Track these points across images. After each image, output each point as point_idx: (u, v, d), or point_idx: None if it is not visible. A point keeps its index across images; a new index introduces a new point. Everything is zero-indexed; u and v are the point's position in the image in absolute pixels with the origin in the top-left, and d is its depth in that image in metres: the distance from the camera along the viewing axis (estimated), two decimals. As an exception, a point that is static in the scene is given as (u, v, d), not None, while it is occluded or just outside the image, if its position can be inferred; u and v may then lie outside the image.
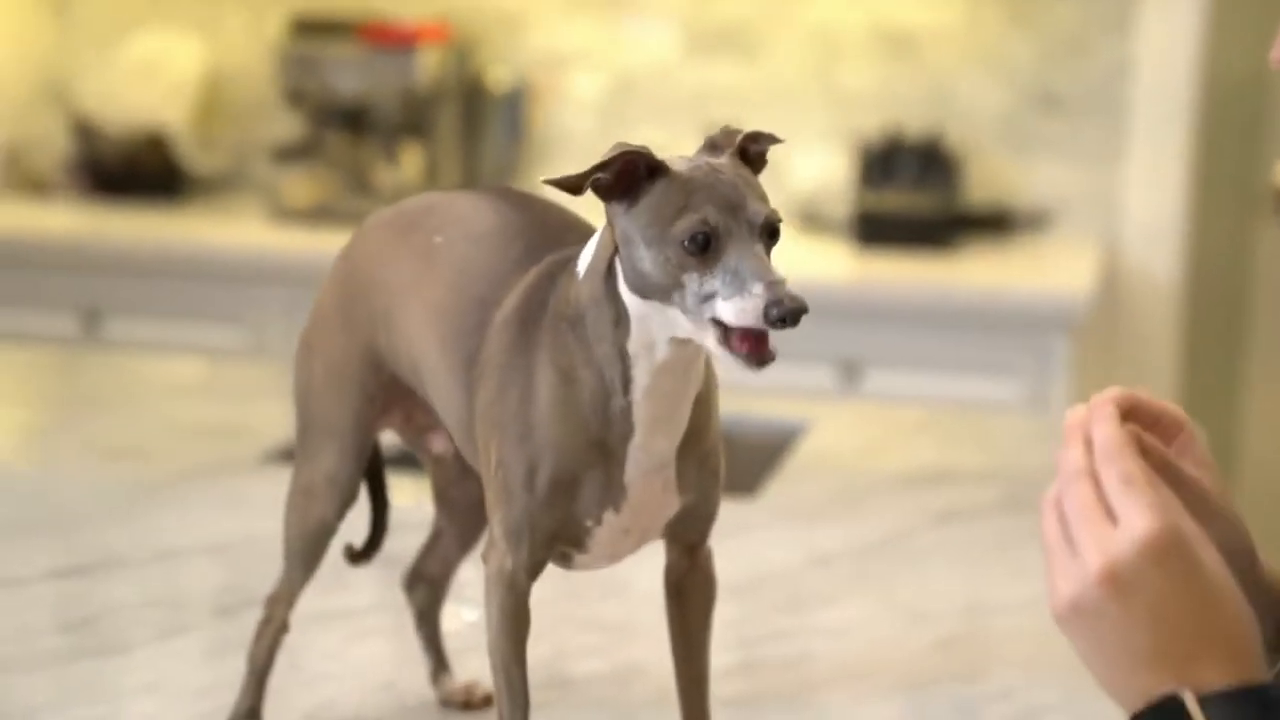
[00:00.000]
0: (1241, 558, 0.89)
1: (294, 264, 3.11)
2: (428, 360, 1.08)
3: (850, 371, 2.92)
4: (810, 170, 3.31)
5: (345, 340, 1.13)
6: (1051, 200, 3.27)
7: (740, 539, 1.60)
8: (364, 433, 1.14)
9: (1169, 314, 3.27)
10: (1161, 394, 0.94)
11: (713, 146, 0.99)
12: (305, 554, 1.16)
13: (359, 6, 3.45)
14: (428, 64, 3.28)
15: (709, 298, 0.92)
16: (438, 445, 1.19)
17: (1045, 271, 3.08)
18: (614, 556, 1.05)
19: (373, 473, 1.22)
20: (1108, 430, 0.80)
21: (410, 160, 3.35)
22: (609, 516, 1.01)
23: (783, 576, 1.58)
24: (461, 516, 1.23)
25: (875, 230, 3.13)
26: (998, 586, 1.57)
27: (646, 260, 0.93)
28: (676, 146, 3.80)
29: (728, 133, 0.99)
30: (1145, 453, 0.83)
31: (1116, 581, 0.76)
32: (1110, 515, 0.77)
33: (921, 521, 1.73)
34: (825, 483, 1.87)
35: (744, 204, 0.93)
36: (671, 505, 1.03)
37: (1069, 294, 2.91)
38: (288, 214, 3.31)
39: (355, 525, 1.20)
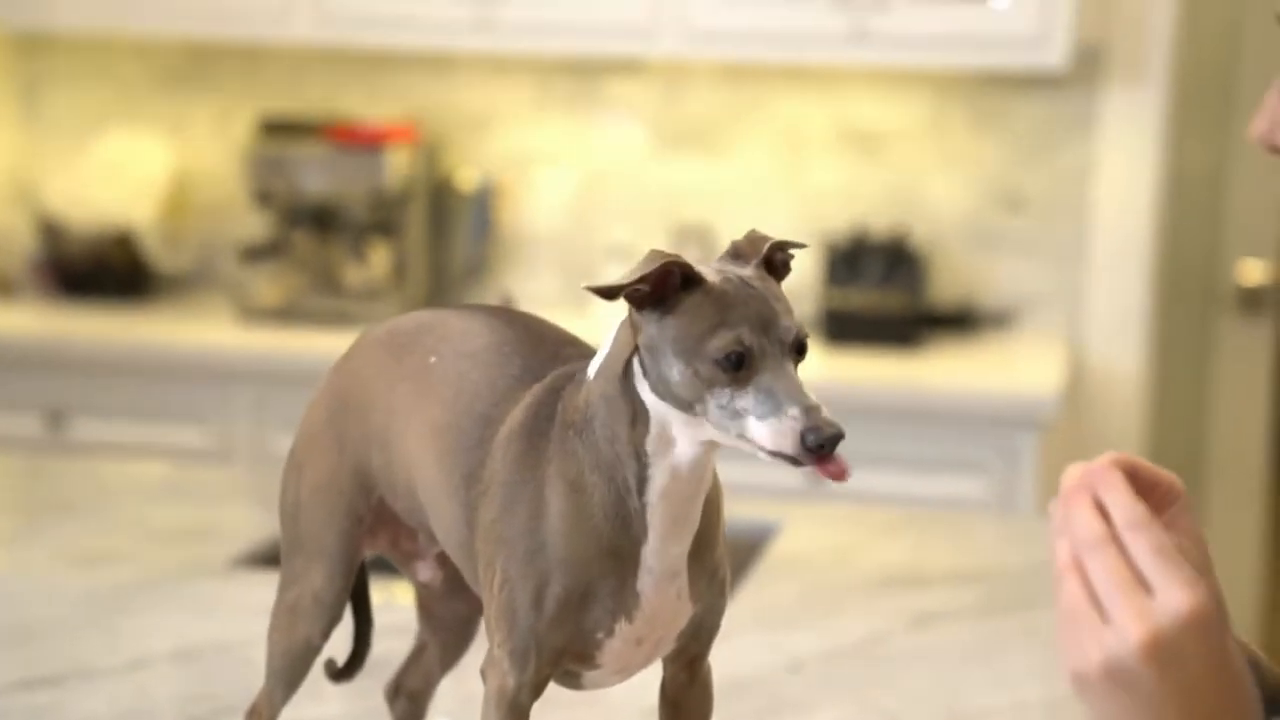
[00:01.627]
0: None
1: (261, 364, 3.10)
2: (425, 479, 1.07)
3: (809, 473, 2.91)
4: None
5: (336, 459, 1.13)
6: (1016, 298, 3.30)
7: (714, 644, 1.59)
8: (351, 553, 1.13)
9: (1133, 410, 3.29)
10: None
11: (737, 254, 0.98)
12: (288, 674, 1.15)
13: (327, 107, 3.47)
14: (396, 164, 3.30)
15: (739, 415, 0.92)
16: (424, 574, 1.18)
17: (1011, 369, 3.10)
18: (624, 671, 1.03)
19: (357, 590, 1.21)
20: (1127, 498, 0.81)
21: (378, 259, 3.36)
22: (621, 627, 0.99)
23: (758, 682, 1.57)
24: (446, 633, 1.22)
25: (841, 328, 3.15)
26: (977, 692, 1.56)
27: (675, 371, 0.93)
28: (645, 245, 3.84)
29: (752, 239, 0.99)
30: None
31: (1159, 652, 0.76)
32: (1145, 585, 0.78)
33: (897, 625, 1.72)
34: (798, 585, 1.86)
35: (776, 321, 0.93)
36: (685, 614, 1.02)
37: (1035, 392, 2.93)
38: (255, 313, 3.30)
39: (335, 638, 1.19)
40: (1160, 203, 3.27)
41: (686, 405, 0.94)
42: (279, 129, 3.36)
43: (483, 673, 1.02)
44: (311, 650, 1.14)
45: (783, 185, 3.37)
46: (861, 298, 3.18)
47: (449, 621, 1.21)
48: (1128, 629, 0.77)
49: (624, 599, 0.98)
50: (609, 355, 0.98)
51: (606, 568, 0.98)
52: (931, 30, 3.04)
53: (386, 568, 1.35)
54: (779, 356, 0.92)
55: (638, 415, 0.96)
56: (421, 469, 1.07)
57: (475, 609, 1.20)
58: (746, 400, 0.91)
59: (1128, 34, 3.19)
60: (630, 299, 0.94)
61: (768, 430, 0.90)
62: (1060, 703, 1.53)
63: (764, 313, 0.93)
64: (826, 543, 2.05)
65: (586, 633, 0.99)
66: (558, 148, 3.46)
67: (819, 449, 0.89)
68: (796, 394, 0.91)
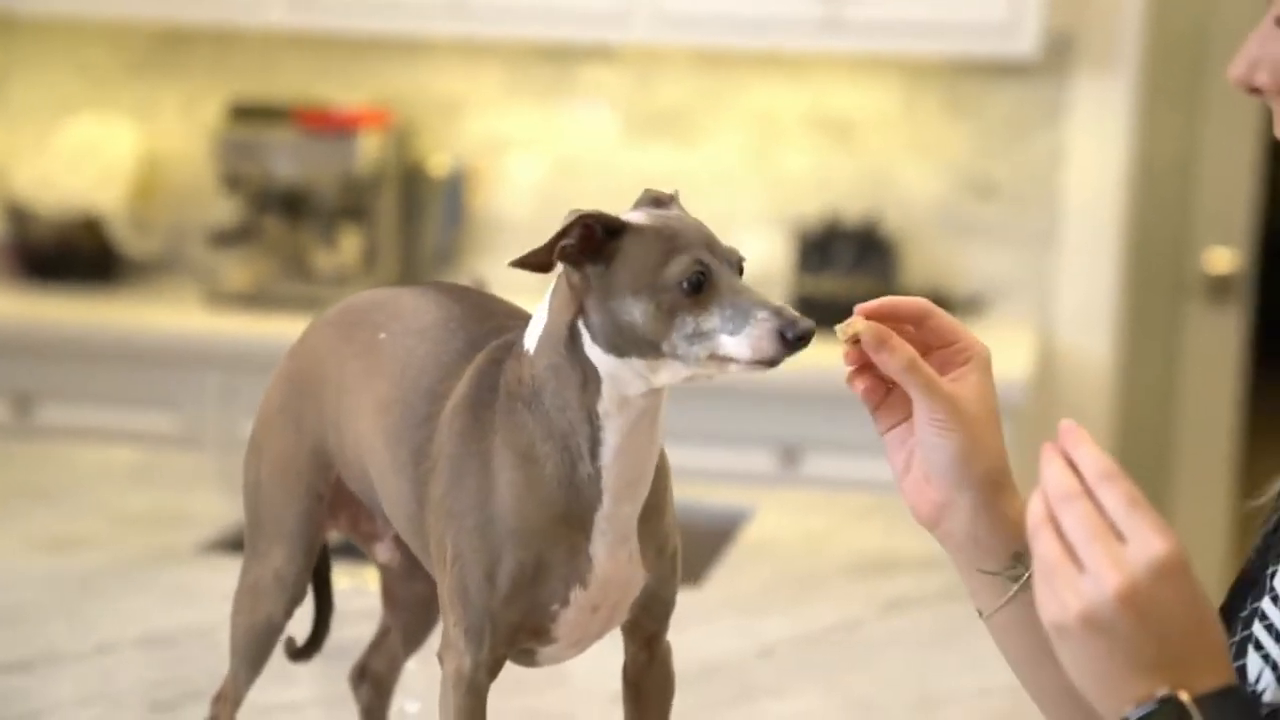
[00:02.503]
0: (992, 479, 0.98)
1: (230, 348, 3.08)
2: (375, 456, 1.07)
3: (790, 455, 2.92)
4: (749, 254, 3.31)
5: (294, 439, 1.13)
6: (987, 285, 3.31)
7: (686, 629, 1.58)
8: (312, 532, 1.13)
9: (1103, 396, 3.30)
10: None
11: (657, 203, 1.00)
12: (252, 653, 1.14)
13: (298, 92, 3.45)
14: (368, 149, 3.28)
15: (707, 336, 0.92)
16: (383, 554, 1.18)
17: (982, 356, 3.10)
18: (580, 643, 1.03)
19: (318, 571, 1.21)
20: (1095, 452, 0.84)
21: (349, 244, 3.34)
22: (577, 595, 0.99)
23: (730, 668, 1.57)
24: (408, 616, 1.22)
25: (813, 314, 3.09)
26: (948, 677, 1.57)
27: (635, 312, 0.93)
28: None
29: (662, 193, 1.01)
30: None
31: (1135, 598, 0.79)
32: (1117, 534, 0.81)
33: (868, 610, 1.73)
34: (770, 571, 1.87)
35: (717, 241, 0.96)
36: (638, 580, 1.02)
37: (1006, 378, 2.93)
38: (224, 298, 3.29)
39: (296, 619, 1.18)
40: (1130, 190, 3.28)
41: (650, 346, 0.94)
42: (249, 113, 3.34)
43: (440, 656, 1.02)
44: (274, 629, 1.14)
45: (755, 172, 3.37)
46: (833, 284, 3.18)
47: (410, 603, 1.21)
48: (1104, 577, 0.80)
49: (577, 565, 0.99)
50: (549, 325, 0.98)
51: (559, 535, 0.98)
52: (904, 18, 3.04)
53: (356, 552, 1.34)
54: (730, 273, 0.94)
55: (588, 379, 0.97)
56: (371, 446, 1.07)
57: (434, 590, 1.16)
58: (712, 320, 0.93)
59: (1098, 22, 3.20)
60: (565, 259, 0.95)
61: (746, 340, 0.92)
62: (1030, 687, 1.54)
63: (706, 235, 0.96)
64: (798, 528, 2.05)
65: (542, 605, 1.00)
66: (530, 133, 3.45)
67: (799, 341, 0.91)
68: (758, 299, 0.93)
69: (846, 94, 3.33)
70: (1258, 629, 0.91)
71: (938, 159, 3.30)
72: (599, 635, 1.04)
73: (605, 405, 0.97)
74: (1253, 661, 0.90)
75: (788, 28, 3.09)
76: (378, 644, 1.24)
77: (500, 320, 1.07)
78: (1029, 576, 0.94)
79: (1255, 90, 0.88)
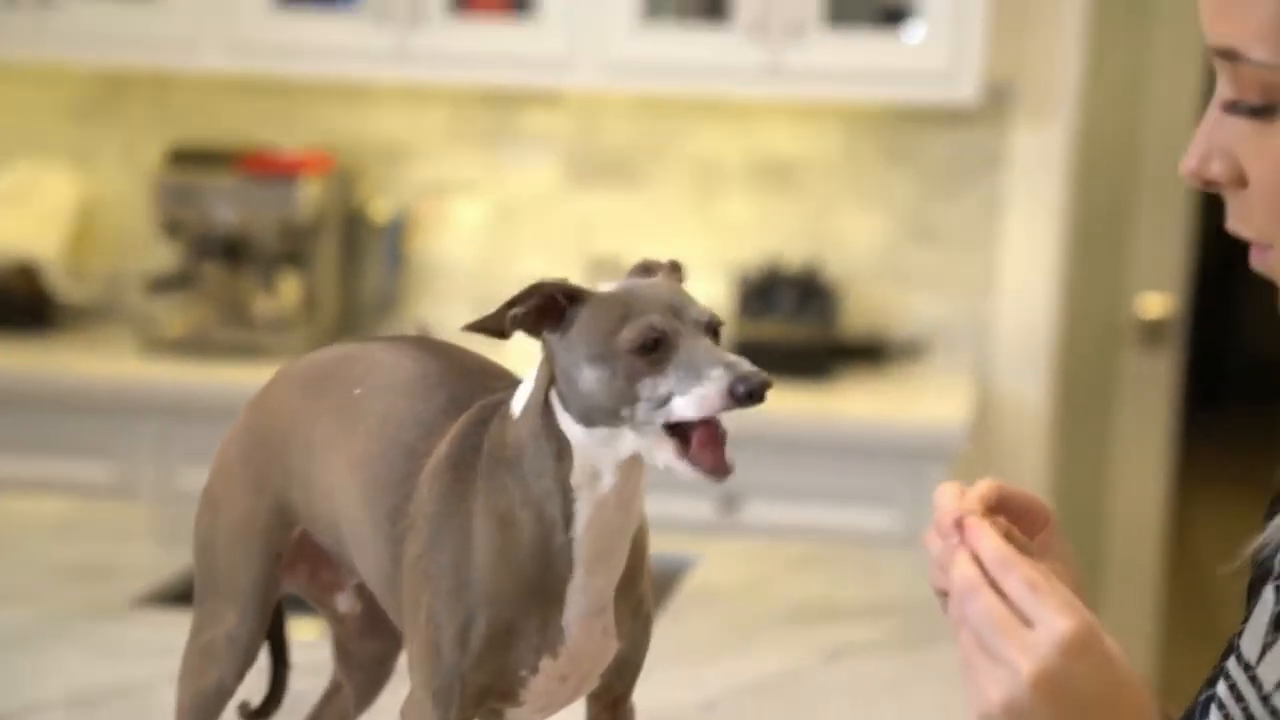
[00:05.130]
0: None
1: (167, 396, 3.05)
2: (349, 514, 1.05)
3: (730, 502, 2.92)
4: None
5: (254, 497, 1.11)
6: (925, 330, 3.33)
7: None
8: (268, 592, 1.11)
9: (1039, 440, 3.32)
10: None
11: (646, 270, 0.99)
12: (199, 718, 1.12)
13: (239, 137, 3.43)
14: (309, 194, 3.27)
15: (664, 401, 0.91)
16: (344, 604, 1.16)
17: (921, 401, 3.12)
18: (547, 709, 1.02)
19: (274, 630, 1.19)
20: (993, 541, 0.85)
21: (289, 290, 3.32)
22: (546, 664, 0.98)
23: (673, 720, 1.56)
24: (362, 672, 1.20)
25: (753, 359, 3.08)
26: (888, 727, 1.56)
27: (591, 380, 0.92)
28: (558, 273, 3.81)
29: (655, 262, 1.00)
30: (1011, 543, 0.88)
31: (1048, 682, 0.81)
32: (1023, 620, 0.82)
33: (812, 660, 1.72)
34: (712, 619, 1.86)
35: (686, 307, 0.94)
36: (610, 650, 1.01)
37: (945, 423, 2.95)
38: (161, 345, 3.25)
39: (250, 680, 1.16)
40: (1066, 237, 3.31)
41: (612, 415, 0.93)
42: (189, 159, 3.32)
43: (403, 715, 1.01)
44: (224, 693, 1.12)
45: (697, 218, 3.38)
46: (774, 329, 3.19)
47: (365, 660, 1.19)
48: (1016, 666, 0.81)
49: (549, 635, 0.98)
50: (532, 393, 0.98)
51: (532, 604, 0.97)
52: (846, 65, 3.07)
53: (307, 606, 1.32)
54: (695, 335, 0.92)
55: (562, 450, 0.95)
56: (345, 503, 1.05)
57: (392, 647, 1.18)
58: (670, 382, 0.91)
59: (1037, 72, 3.24)
60: (519, 328, 0.94)
61: (692, 400, 0.90)
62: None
63: (673, 300, 0.94)
64: (740, 577, 2.05)
65: (511, 670, 0.98)
66: (472, 179, 3.45)
67: (749, 398, 0.89)
68: (715, 356, 0.91)
69: (788, 140, 3.34)
70: (1220, 688, 0.91)
71: (878, 205, 3.32)
72: (568, 702, 1.03)
73: (577, 477, 0.96)
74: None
75: (730, 75, 3.11)
76: (328, 700, 1.22)
77: (481, 378, 1.05)
78: None
79: (1210, 183, 0.86)
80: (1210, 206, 3.78)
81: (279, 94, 3.45)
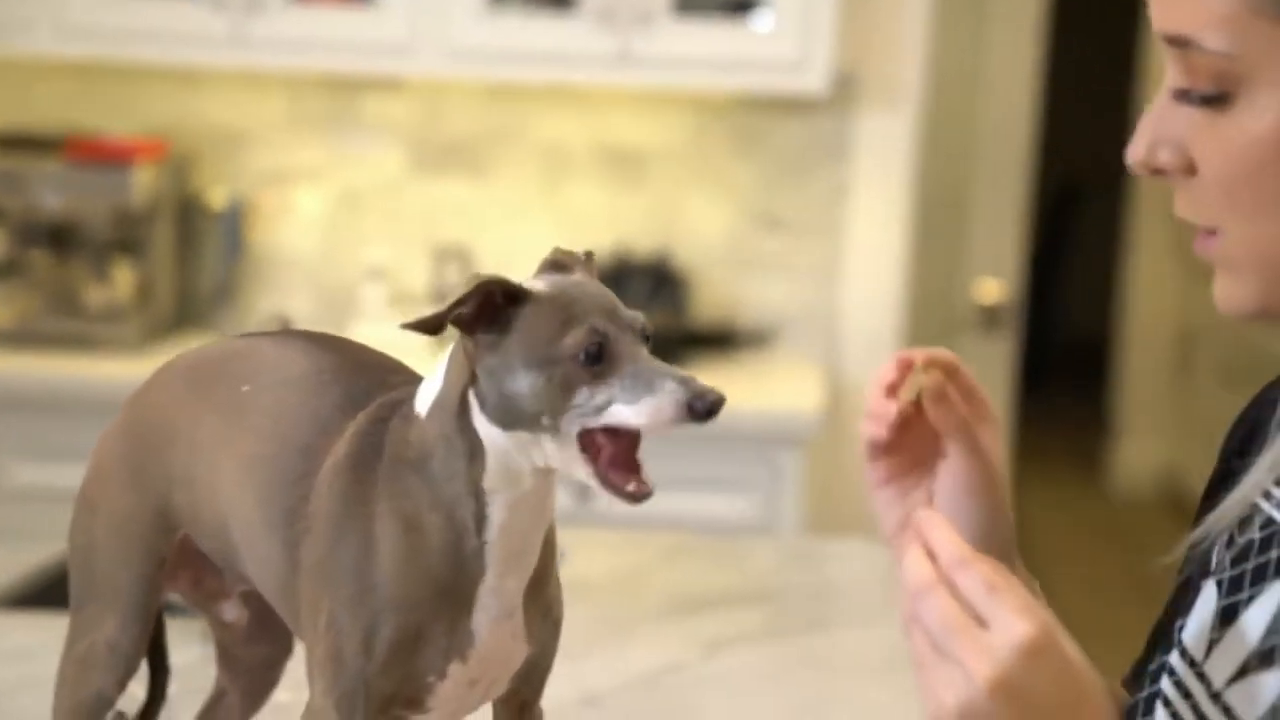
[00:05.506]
0: (1006, 549, 0.95)
1: (-2, 391, 2.93)
2: (241, 516, 1.01)
3: (585, 491, 2.90)
4: (539, 289, 3.30)
5: (134, 498, 1.06)
6: (775, 318, 3.35)
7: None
8: (150, 597, 1.06)
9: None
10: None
11: (558, 266, 0.97)
12: None
13: (68, 122, 3.30)
14: (142, 181, 3.16)
15: (601, 410, 0.89)
16: (230, 613, 1.12)
17: (772, 388, 3.14)
18: (454, 715, 0.99)
19: (153, 636, 1.13)
20: (951, 538, 0.82)
21: (122, 279, 3.21)
22: (455, 669, 0.95)
23: (556, 718, 1.53)
24: (248, 678, 1.15)
25: None
26: (774, 719, 1.57)
27: (523, 384, 0.90)
28: (404, 266, 3.76)
29: (567, 253, 0.97)
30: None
31: (1006, 686, 0.78)
32: (980, 621, 0.79)
33: (691, 652, 1.72)
34: (588, 613, 1.84)
35: (619, 309, 0.92)
36: (520, 654, 0.98)
37: (796, 410, 2.97)
38: (-11, 337, 3.12)
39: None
40: (910, 224, 3.36)
41: (533, 421, 0.90)
42: (13, 144, 3.19)
43: None
44: (104, 704, 1.07)
45: (544, 206, 3.35)
46: (624, 319, 3.18)
47: (251, 665, 1.15)
48: (972, 669, 0.79)
49: (458, 639, 0.95)
50: (443, 391, 0.95)
51: (440, 608, 0.94)
52: (693, 53, 3.06)
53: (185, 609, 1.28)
54: (634, 343, 0.90)
55: (475, 452, 0.93)
56: (236, 505, 1.01)
57: (280, 651, 1.14)
58: (611, 390, 0.89)
59: (881, 61, 3.27)
60: (459, 326, 0.91)
61: (643, 409, 0.88)
62: (857, 726, 1.55)
63: (606, 303, 0.92)
64: (612, 569, 2.03)
65: (418, 675, 0.95)
66: (313, 166, 3.37)
67: (707, 414, 0.88)
68: (665, 370, 0.89)
69: (636, 128, 3.33)
70: (1165, 684, 0.91)
71: (726, 193, 3.33)
72: (476, 707, 1.00)
73: (491, 480, 0.93)
74: (1160, 718, 0.90)
75: (577, 61, 3.08)
76: (210, 709, 1.17)
77: (377, 374, 1.02)
78: None
79: (1158, 171, 0.85)
80: (1039, 193, 3.86)
81: (111, 79, 3.33)
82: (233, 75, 3.32)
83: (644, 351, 0.90)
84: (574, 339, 0.89)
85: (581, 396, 0.89)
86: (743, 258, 3.34)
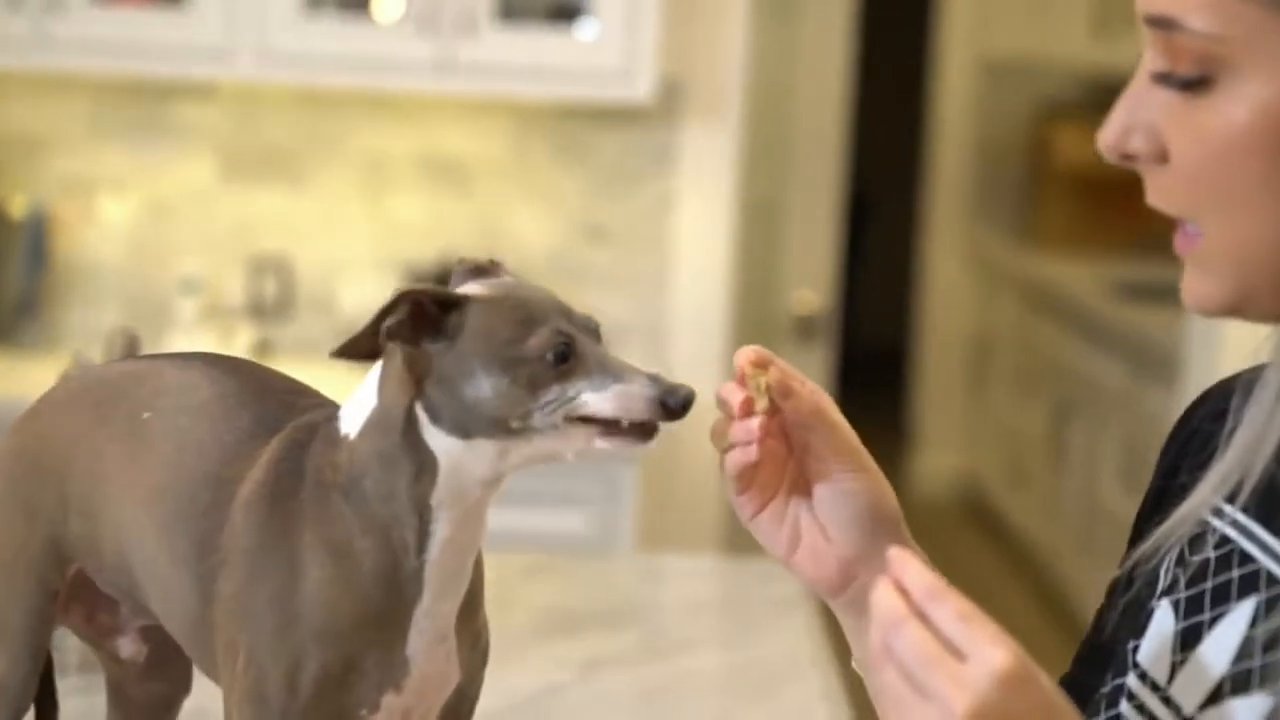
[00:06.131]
0: (896, 514, 0.95)
1: None
2: (144, 550, 0.95)
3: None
4: (359, 300, 3.21)
5: (24, 529, 0.99)
6: (604, 330, 3.31)
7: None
8: (41, 633, 1.00)
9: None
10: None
11: (480, 271, 0.94)
12: None
13: None
14: (-65, 189, 2.98)
15: (573, 399, 0.86)
16: (126, 649, 1.05)
17: (602, 400, 3.11)
18: None
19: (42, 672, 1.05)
20: (921, 572, 0.81)
21: (-86, 294, 3.02)
22: (389, 700, 0.91)
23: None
24: (142, 718, 1.09)
25: None
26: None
27: (486, 387, 0.86)
28: (219, 277, 3.62)
29: (485, 260, 0.96)
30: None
31: (986, 716, 0.76)
32: (955, 654, 0.78)
33: (568, 675, 1.67)
34: (454, 637, 1.78)
35: (573, 311, 0.90)
36: (452, 680, 0.94)
37: (630, 422, 2.95)
38: None
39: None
40: (734, 235, 3.38)
41: (499, 425, 0.87)
42: None
43: None
44: None
45: (365, 216, 3.26)
46: (450, 331, 3.11)
47: (145, 704, 1.08)
48: (950, 701, 0.77)
49: (392, 667, 0.91)
50: (378, 409, 0.90)
51: (372, 636, 0.90)
52: (515, 61, 3.02)
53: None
54: (592, 342, 0.89)
55: (423, 468, 0.89)
56: (139, 538, 0.95)
57: (178, 691, 1.08)
58: (579, 386, 0.87)
59: (705, 71, 3.28)
60: (396, 339, 0.87)
61: (611, 398, 0.86)
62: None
63: (559, 304, 0.90)
64: (470, 590, 1.97)
65: (348, 711, 0.90)
66: (119, 174, 3.22)
67: (681, 409, 0.86)
68: (631, 367, 0.88)
69: (459, 137, 3.27)
70: (1125, 709, 0.90)
71: (550, 204, 3.29)
72: None
73: (439, 495, 0.89)
74: None
75: (397, 68, 3.01)
76: None
77: (285, 397, 0.97)
78: None
79: (1128, 157, 0.83)
80: (859, 208, 3.94)
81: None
82: (33, 78, 3.16)
83: (606, 351, 0.89)
84: (539, 339, 0.87)
85: (547, 396, 0.87)
86: (570, 269, 3.30)
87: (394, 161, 3.26)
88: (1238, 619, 0.84)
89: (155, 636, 1.04)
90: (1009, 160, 5.54)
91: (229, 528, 0.91)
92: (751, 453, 0.91)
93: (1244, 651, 0.83)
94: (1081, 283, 4.74)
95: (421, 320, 0.87)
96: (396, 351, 0.89)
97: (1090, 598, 1.11)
